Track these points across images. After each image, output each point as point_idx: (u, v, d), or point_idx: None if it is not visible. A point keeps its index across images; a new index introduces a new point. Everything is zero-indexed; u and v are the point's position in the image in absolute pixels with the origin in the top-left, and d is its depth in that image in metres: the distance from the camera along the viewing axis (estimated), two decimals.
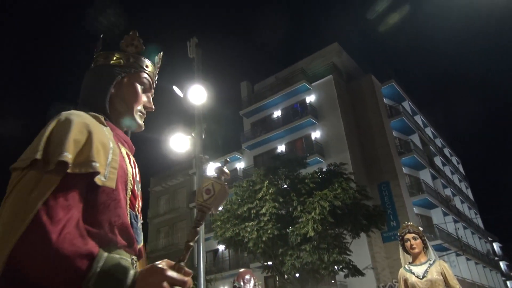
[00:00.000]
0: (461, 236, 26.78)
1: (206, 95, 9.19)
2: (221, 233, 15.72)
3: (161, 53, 1.30)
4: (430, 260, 3.49)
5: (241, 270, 4.25)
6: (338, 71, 27.08)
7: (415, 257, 3.55)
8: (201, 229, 8.41)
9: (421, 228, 3.70)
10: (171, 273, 0.85)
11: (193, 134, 9.43)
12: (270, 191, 14.91)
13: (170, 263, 0.89)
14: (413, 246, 3.52)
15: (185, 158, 9.78)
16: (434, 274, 3.35)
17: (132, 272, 0.85)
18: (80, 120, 0.96)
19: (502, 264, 41.99)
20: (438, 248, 22.80)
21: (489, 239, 39.96)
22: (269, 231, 14.32)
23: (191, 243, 0.93)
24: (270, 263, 16.11)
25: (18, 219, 0.79)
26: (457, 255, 24.52)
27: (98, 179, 0.92)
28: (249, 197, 15.52)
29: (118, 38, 1.20)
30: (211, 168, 9.58)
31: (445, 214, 25.83)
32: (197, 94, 9.00)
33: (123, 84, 1.18)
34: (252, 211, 15.09)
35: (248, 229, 14.78)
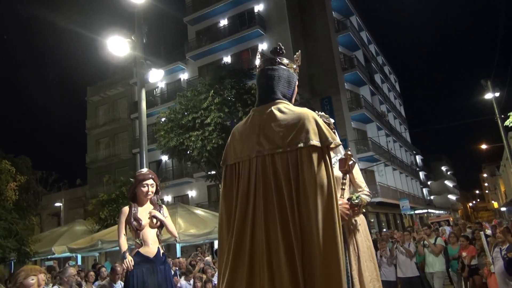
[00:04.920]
0: (391, 149, 29.11)
1: None
2: (165, 143, 15.59)
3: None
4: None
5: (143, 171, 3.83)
6: None
7: None
8: (144, 139, 8.15)
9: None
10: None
11: (132, 37, 8.66)
12: (215, 101, 14.72)
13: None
14: None
15: (124, 65, 9.15)
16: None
17: None
18: None
19: (421, 174, 47.02)
20: (370, 159, 24.73)
21: (414, 152, 43.97)
22: (213, 141, 14.43)
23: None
24: (213, 172, 16.52)
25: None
26: (385, 165, 26.84)
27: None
28: (193, 106, 15.25)
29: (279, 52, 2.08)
30: (153, 75, 9.01)
31: (379, 129, 27.58)
32: None
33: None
34: (196, 121, 14.96)
35: (193, 139, 14.78)
